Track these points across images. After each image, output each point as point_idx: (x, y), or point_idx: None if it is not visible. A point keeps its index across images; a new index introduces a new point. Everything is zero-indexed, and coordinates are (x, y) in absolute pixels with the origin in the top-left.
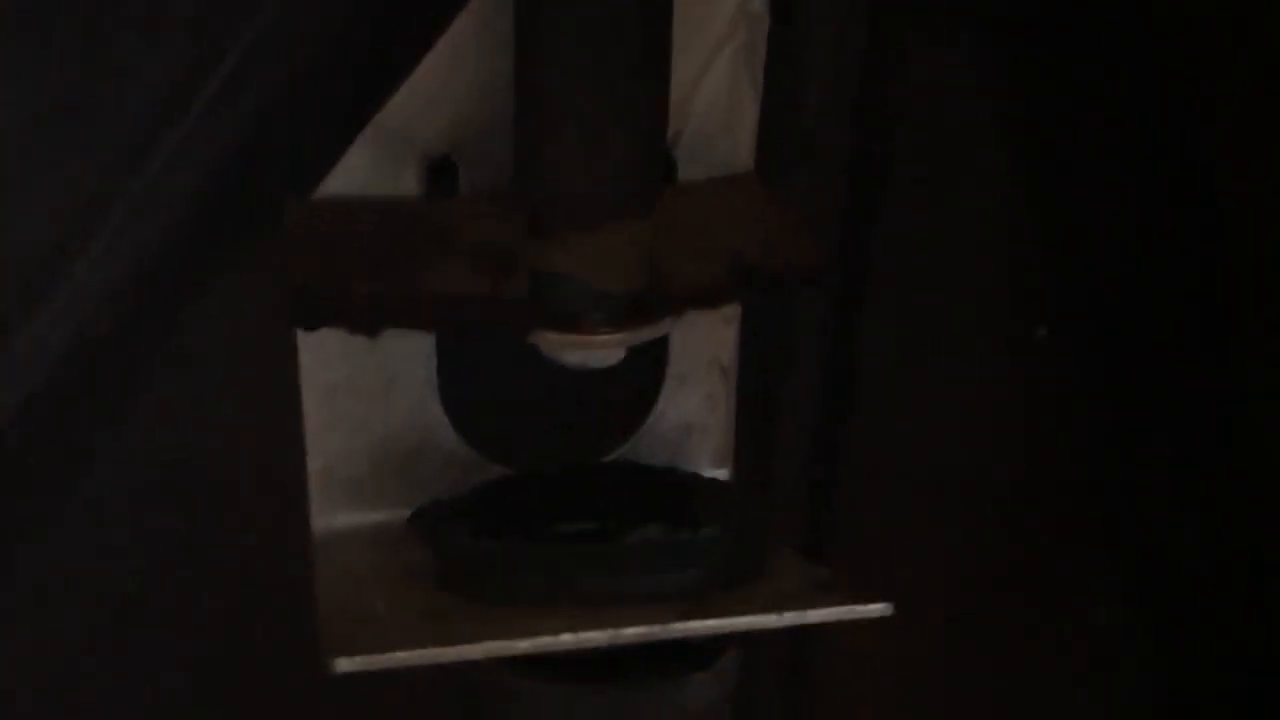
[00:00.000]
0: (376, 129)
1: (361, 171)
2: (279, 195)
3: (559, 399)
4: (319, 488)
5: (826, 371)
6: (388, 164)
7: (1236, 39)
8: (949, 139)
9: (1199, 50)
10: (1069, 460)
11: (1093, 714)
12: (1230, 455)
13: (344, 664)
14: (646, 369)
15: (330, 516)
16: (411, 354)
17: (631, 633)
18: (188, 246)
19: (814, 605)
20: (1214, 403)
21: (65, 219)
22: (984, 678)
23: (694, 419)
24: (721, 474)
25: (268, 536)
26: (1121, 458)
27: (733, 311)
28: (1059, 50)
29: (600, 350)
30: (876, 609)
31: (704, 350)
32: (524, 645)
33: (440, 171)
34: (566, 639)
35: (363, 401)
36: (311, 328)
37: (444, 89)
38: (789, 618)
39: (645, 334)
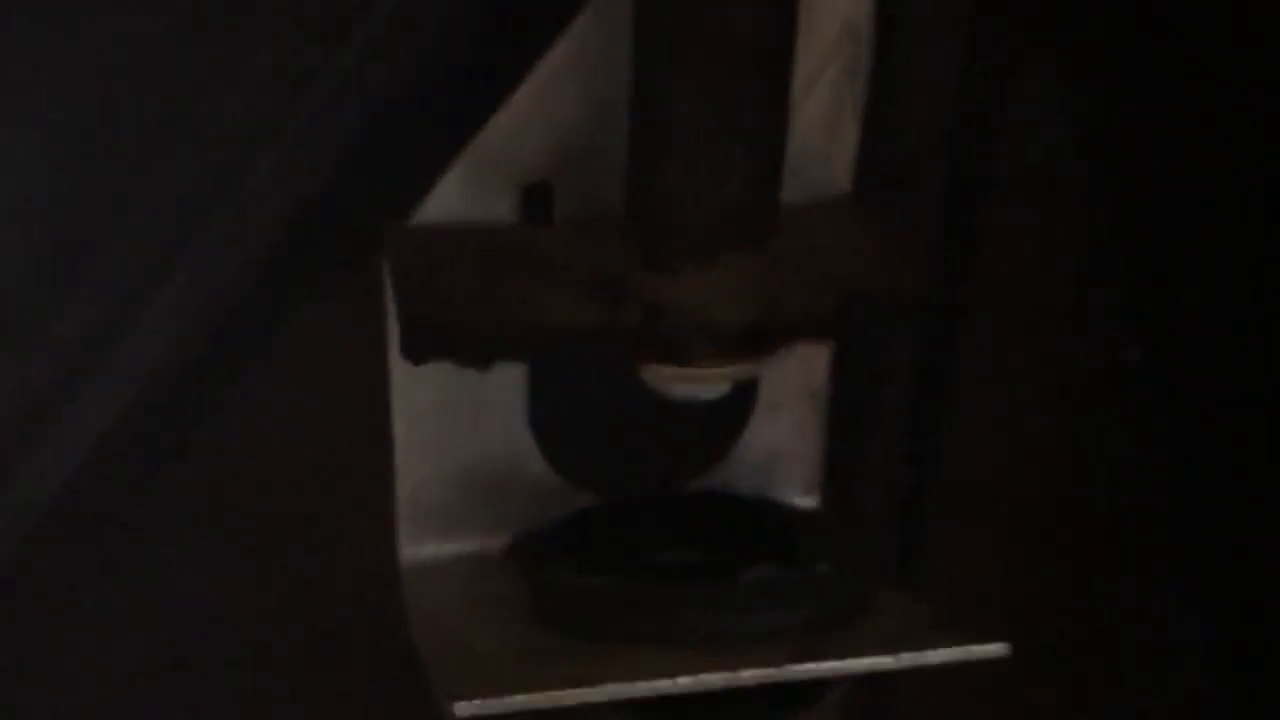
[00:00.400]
0: (473, 153)
1: (457, 195)
2: (375, 220)
3: (647, 425)
4: (407, 514)
5: (917, 398)
6: (484, 189)
7: None
8: (1043, 160)
9: None
10: (1161, 486)
11: None
12: None
13: (462, 709)
14: (737, 395)
15: (418, 544)
16: (501, 380)
17: (748, 675)
18: (282, 269)
19: (931, 646)
20: None
21: (162, 238)
22: (1072, 702)
23: (783, 446)
24: (809, 502)
25: (356, 562)
26: (1213, 481)
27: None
28: (1155, 71)
29: (709, 383)
30: (994, 649)
31: (796, 377)
32: (643, 688)
33: (535, 196)
34: (684, 682)
35: (452, 428)
36: (421, 362)
37: (541, 113)
38: (906, 659)
39: (755, 367)
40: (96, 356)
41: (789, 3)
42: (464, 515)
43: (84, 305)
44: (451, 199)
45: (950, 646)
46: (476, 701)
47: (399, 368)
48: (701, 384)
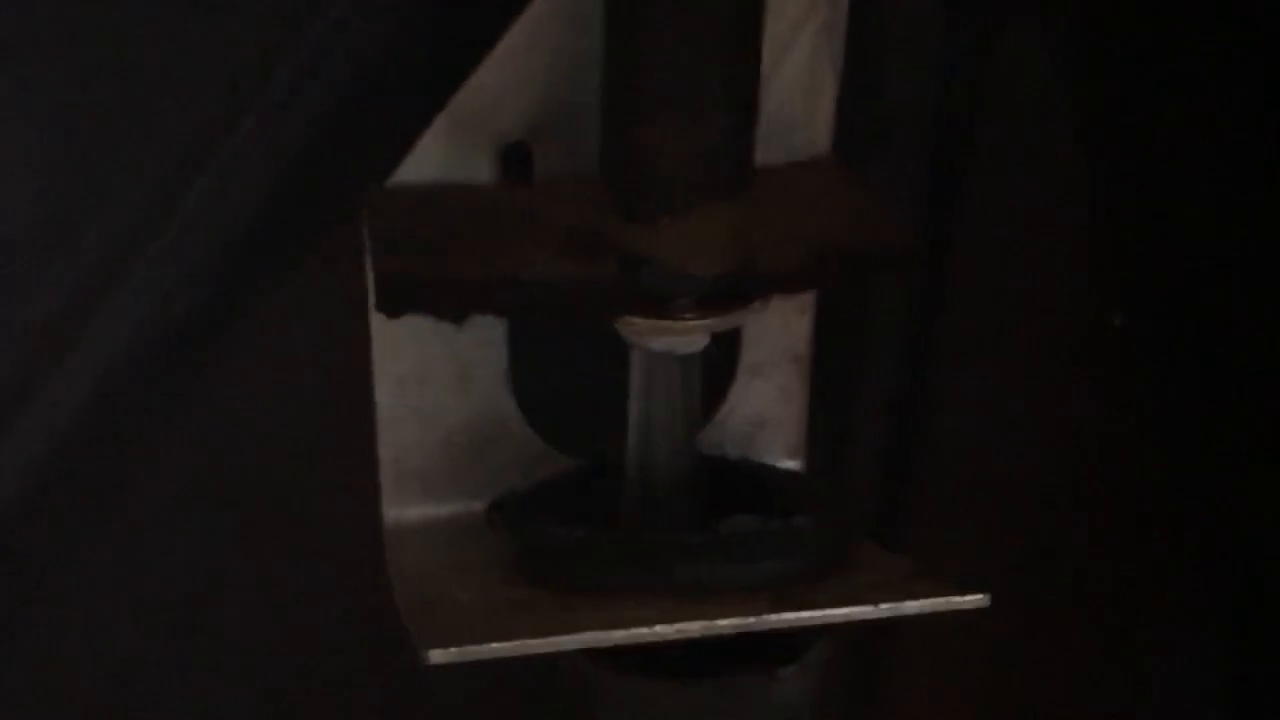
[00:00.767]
0: (450, 115)
1: (436, 158)
2: (354, 183)
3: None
4: (390, 478)
5: (901, 363)
6: (462, 150)
7: None
8: (1029, 121)
9: None
10: (1146, 450)
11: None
12: None
13: (437, 655)
14: (719, 360)
15: (401, 507)
16: (483, 344)
17: (726, 624)
18: (261, 233)
19: (911, 596)
20: None
21: (141, 203)
22: (1059, 669)
23: (767, 411)
24: (794, 466)
25: (338, 526)
26: (1198, 446)
27: (807, 301)
28: (1142, 28)
29: (686, 336)
30: (973, 600)
31: (778, 341)
32: (620, 635)
33: (515, 157)
34: (662, 630)
35: (434, 392)
36: (396, 315)
37: (519, 73)
38: (885, 609)
39: (733, 320)
40: (75, 323)
41: None
42: (447, 479)
43: (61, 273)
44: (430, 161)
45: (930, 597)
46: (452, 649)
47: (380, 333)
48: (678, 337)
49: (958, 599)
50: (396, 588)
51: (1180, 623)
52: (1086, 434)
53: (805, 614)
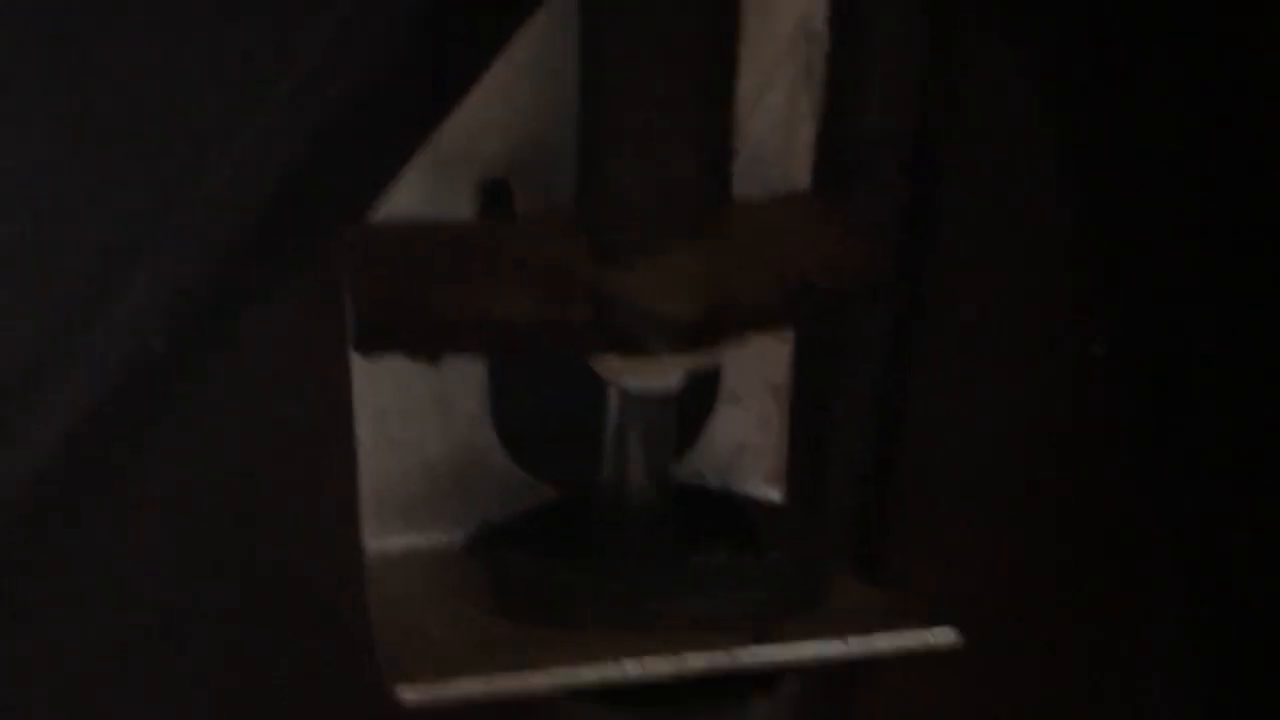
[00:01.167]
0: (432, 151)
1: (417, 194)
2: (335, 218)
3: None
4: (371, 509)
5: (879, 390)
6: (443, 186)
7: None
8: (1006, 153)
9: (1267, 58)
10: (1124, 479)
11: None
12: None
13: (408, 693)
14: (699, 389)
15: (382, 538)
16: (462, 377)
17: (697, 662)
18: (242, 268)
19: (880, 633)
20: (1273, 419)
21: (120, 237)
22: (1034, 698)
23: (746, 439)
24: (773, 494)
25: (319, 557)
26: (1177, 475)
27: (787, 331)
28: (1119, 61)
29: (661, 374)
30: (942, 635)
31: (757, 370)
32: (589, 675)
33: (495, 193)
34: (632, 669)
35: (414, 424)
36: (373, 356)
37: (499, 111)
38: (855, 645)
39: (708, 358)
40: (58, 354)
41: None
42: (428, 509)
43: (44, 304)
44: (411, 196)
45: (900, 632)
46: (423, 688)
47: (361, 366)
48: (653, 375)
49: (928, 635)
50: (375, 620)
51: (1160, 644)
52: (1066, 460)
53: (776, 650)
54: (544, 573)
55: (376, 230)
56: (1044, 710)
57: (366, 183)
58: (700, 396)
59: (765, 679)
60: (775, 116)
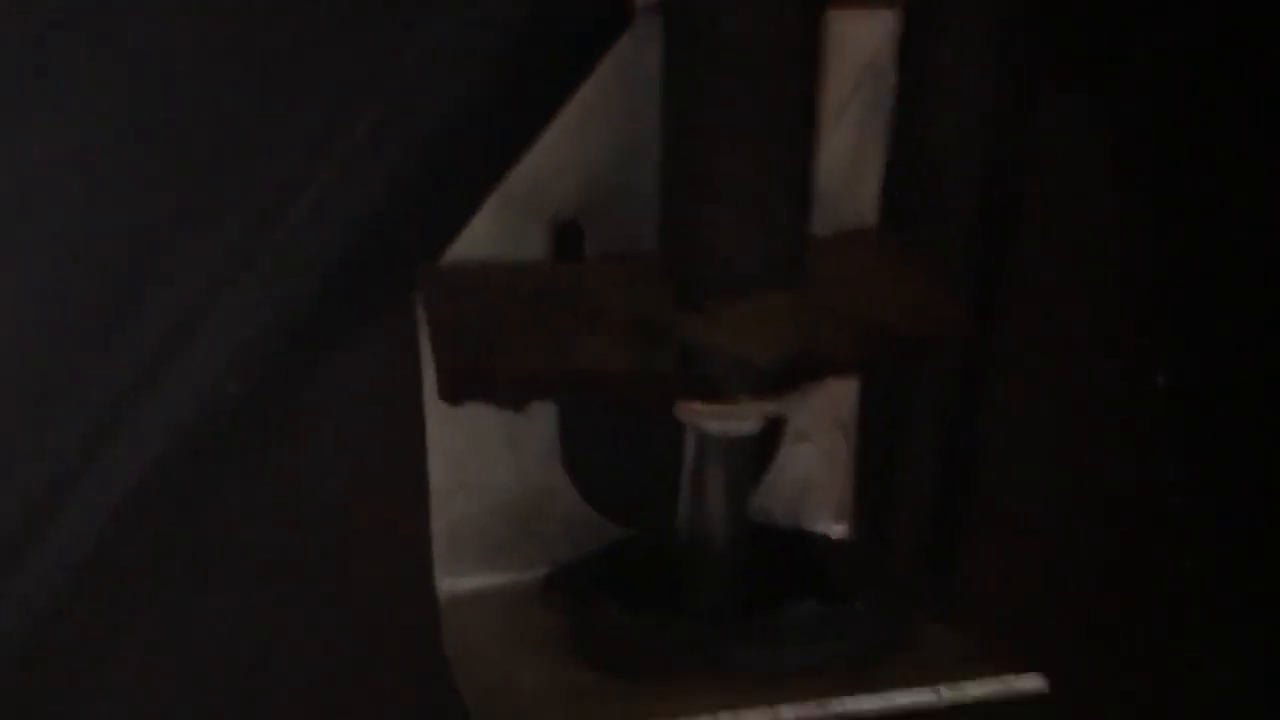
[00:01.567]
0: (504, 194)
1: (488, 235)
2: (409, 261)
3: (677, 458)
4: (443, 549)
5: (945, 426)
6: (515, 228)
7: None
8: (1073, 191)
9: None
10: (1190, 514)
11: None
12: None
13: None
14: (766, 427)
15: (455, 578)
16: (533, 418)
17: (790, 712)
18: (319, 311)
19: (971, 680)
20: None
21: (201, 283)
22: None
23: (813, 475)
24: (839, 530)
25: (394, 598)
26: (1243, 507)
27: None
28: (1187, 104)
29: (742, 419)
30: (1031, 681)
31: (824, 408)
32: None
33: (566, 235)
34: (726, 718)
35: (486, 465)
36: (458, 404)
37: (570, 154)
38: (946, 694)
39: (788, 403)
40: (136, 397)
41: (816, 46)
42: (501, 550)
43: (124, 347)
44: (483, 238)
45: (989, 679)
46: None
47: (434, 407)
48: (734, 420)
49: (1018, 682)
50: (455, 667)
51: (1229, 678)
52: (1135, 495)
53: (867, 700)
54: (627, 622)
55: (453, 272)
56: None
57: (441, 226)
58: (767, 434)
59: None
60: (842, 155)
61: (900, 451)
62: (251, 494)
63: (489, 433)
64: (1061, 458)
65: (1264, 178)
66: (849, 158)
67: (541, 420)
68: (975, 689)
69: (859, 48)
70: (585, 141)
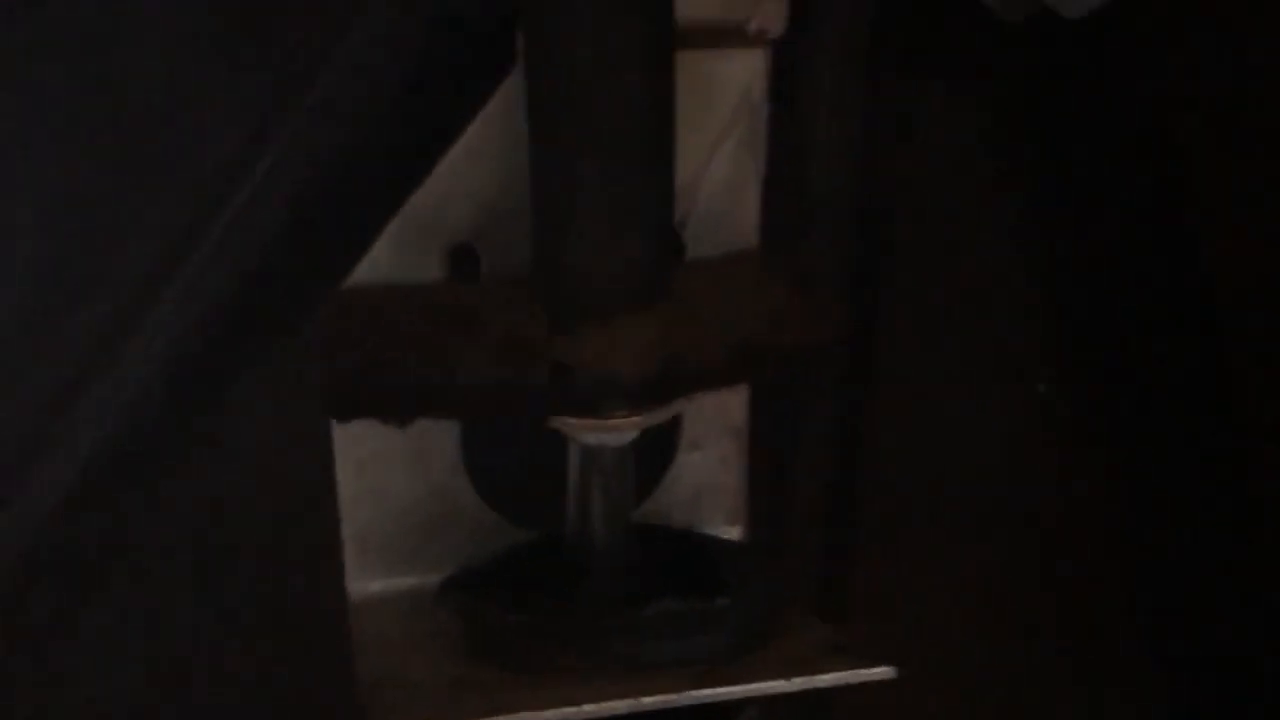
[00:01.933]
0: (402, 220)
1: (388, 260)
2: (314, 284)
3: None
4: (353, 554)
5: (836, 429)
6: (413, 252)
7: (1231, 113)
8: (948, 205)
9: (1195, 119)
10: (1078, 514)
11: None
12: (1225, 483)
13: None
14: (661, 435)
15: (365, 580)
16: (436, 429)
17: (651, 701)
18: (226, 333)
19: (822, 670)
20: (1208, 448)
21: (111, 308)
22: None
23: (708, 480)
24: (735, 532)
25: (304, 601)
26: (1126, 505)
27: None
28: (1060, 114)
29: (616, 432)
30: (881, 672)
31: (717, 415)
32: (550, 716)
33: (462, 259)
34: (589, 709)
35: (392, 473)
36: (346, 420)
37: (464, 181)
38: (798, 683)
39: (659, 416)
40: (58, 417)
41: (667, 81)
42: (407, 553)
43: (45, 366)
44: (382, 262)
45: (840, 670)
46: None
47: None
48: (609, 432)
49: (866, 671)
50: (358, 660)
51: (1118, 659)
52: (1019, 494)
53: (724, 690)
54: (513, 621)
55: (348, 295)
56: None
57: (341, 253)
58: (662, 442)
59: (726, 713)
60: (722, 181)
61: (791, 456)
62: (168, 502)
63: (394, 445)
64: (946, 462)
65: (1141, 184)
66: (730, 183)
67: (445, 430)
68: (826, 679)
69: (734, 82)
70: (478, 169)
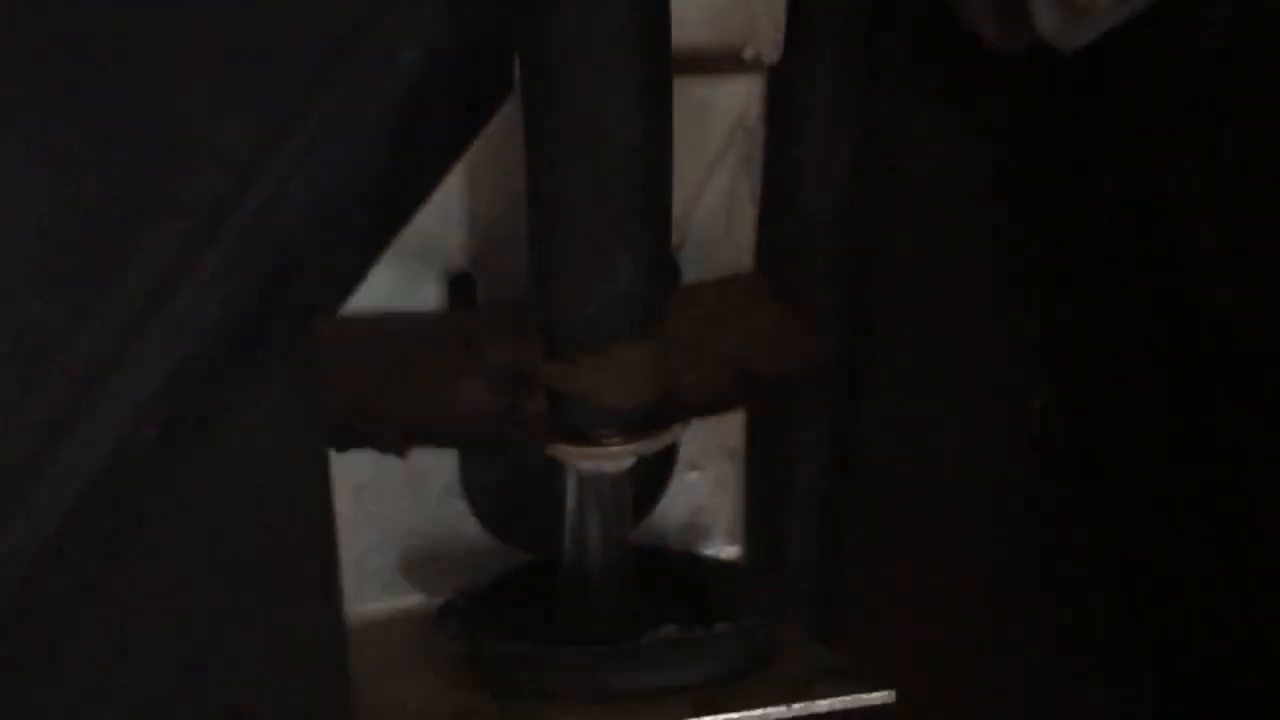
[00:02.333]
0: (399, 246)
1: (386, 287)
2: (312, 311)
3: None
4: (352, 578)
5: (832, 450)
6: (410, 279)
7: (1218, 134)
8: (943, 225)
9: (1185, 139)
10: (1072, 530)
11: None
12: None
13: None
14: (657, 458)
15: (363, 604)
16: (433, 453)
17: None
18: (224, 362)
19: (821, 695)
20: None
21: (108, 335)
22: None
23: (704, 501)
24: (732, 552)
25: (303, 626)
26: (1122, 527)
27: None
28: (1053, 138)
29: (612, 459)
30: (880, 697)
31: (713, 436)
32: None
33: (460, 285)
34: None
35: (389, 498)
36: (344, 449)
37: (463, 207)
38: (798, 708)
39: (655, 444)
40: (53, 442)
41: (665, 109)
42: (405, 577)
43: (42, 393)
44: (380, 290)
45: (840, 695)
46: None
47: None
48: (605, 460)
49: (866, 696)
50: (356, 684)
51: (1104, 672)
52: (1017, 512)
53: (723, 717)
54: (511, 649)
55: (346, 323)
56: None
57: (339, 279)
58: (659, 463)
59: None
60: (718, 206)
61: (788, 477)
62: (168, 530)
63: (391, 470)
64: (940, 479)
65: (1135, 199)
66: (725, 207)
67: (441, 456)
68: (824, 704)
69: (730, 108)
70: (475, 195)
